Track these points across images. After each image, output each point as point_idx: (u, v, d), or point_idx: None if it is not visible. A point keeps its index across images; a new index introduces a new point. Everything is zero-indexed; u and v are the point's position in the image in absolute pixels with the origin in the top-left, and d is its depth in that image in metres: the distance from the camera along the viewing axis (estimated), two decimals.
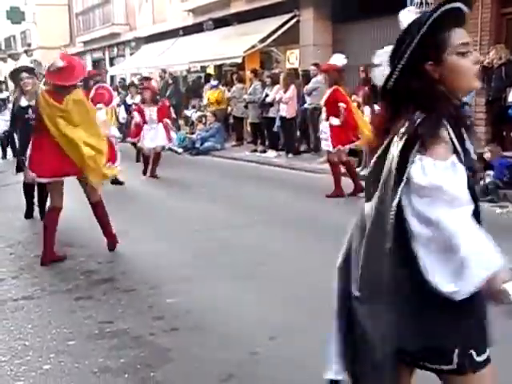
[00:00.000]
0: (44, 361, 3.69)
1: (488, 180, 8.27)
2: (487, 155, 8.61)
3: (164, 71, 19.12)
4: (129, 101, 14.70)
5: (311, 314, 4.31)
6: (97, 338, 4.00)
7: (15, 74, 7.49)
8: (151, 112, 11.16)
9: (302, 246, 6.22)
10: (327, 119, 8.77)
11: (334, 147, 8.75)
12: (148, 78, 15.60)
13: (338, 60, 9.27)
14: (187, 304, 4.57)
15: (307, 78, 13.30)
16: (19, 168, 7.16)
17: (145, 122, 11.18)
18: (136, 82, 17.18)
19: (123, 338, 3.99)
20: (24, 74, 7.30)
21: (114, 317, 4.37)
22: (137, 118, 11.41)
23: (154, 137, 11.14)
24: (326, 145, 8.87)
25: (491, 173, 8.41)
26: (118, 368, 3.57)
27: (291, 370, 3.51)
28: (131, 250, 6.12)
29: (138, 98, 14.46)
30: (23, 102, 7.34)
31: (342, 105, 8.65)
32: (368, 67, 11.40)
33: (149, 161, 11.31)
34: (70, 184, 6.13)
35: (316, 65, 13.14)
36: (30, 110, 7.15)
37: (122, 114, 13.94)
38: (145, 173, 11.36)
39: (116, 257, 5.93)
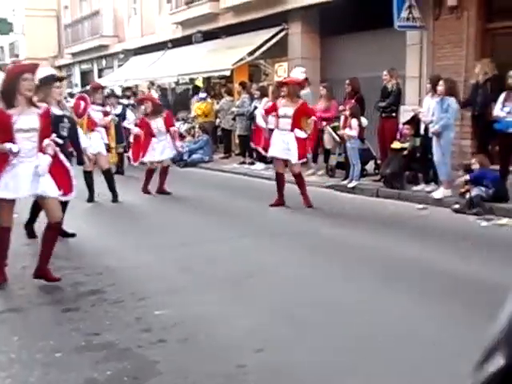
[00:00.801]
0: (30, 373, 3.66)
1: (474, 193, 8.31)
2: (475, 166, 8.63)
3: (152, 83, 19.15)
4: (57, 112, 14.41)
5: (299, 326, 4.32)
6: (84, 350, 3.98)
7: (42, 82, 6.98)
8: (158, 124, 10.63)
9: (289, 259, 6.23)
10: (292, 130, 9.00)
11: (299, 159, 9.13)
12: (130, 88, 15.65)
13: (299, 74, 10.22)
14: (175, 316, 4.57)
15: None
16: None
17: (152, 136, 10.61)
18: (117, 92, 16.95)
19: (110, 350, 3.97)
20: (56, 84, 7.09)
21: (102, 329, 4.35)
22: (134, 130, 11.06)
23: (163, 149, 10.66)
24: (290, 155, 9.07)
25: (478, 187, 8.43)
26: (105, 380, 3.55)
27: (280, 382, 3.51)
28: (119, 262, 6.11)
29: (119, 109, 14.45)
30: (57, 111, 6.98)
31: (313, 118, 9.06)
32: (354, 80, 11.51)
33: (152, 175, 10.80)
34: None
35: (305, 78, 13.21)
36: (65, 119, 7.05)
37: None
38: (145, 189, 10.75)
39: (104, 269, 5.91)
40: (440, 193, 8.98)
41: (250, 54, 15.75)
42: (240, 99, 14.57)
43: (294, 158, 9.01)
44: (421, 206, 8.96)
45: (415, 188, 9.71)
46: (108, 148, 10.28)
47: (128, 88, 15.68)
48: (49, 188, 5.36)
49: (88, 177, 9.75)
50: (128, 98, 14.86)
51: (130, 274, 5.77)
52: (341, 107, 10.98)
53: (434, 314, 4.58)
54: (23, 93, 5.33)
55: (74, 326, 4.42)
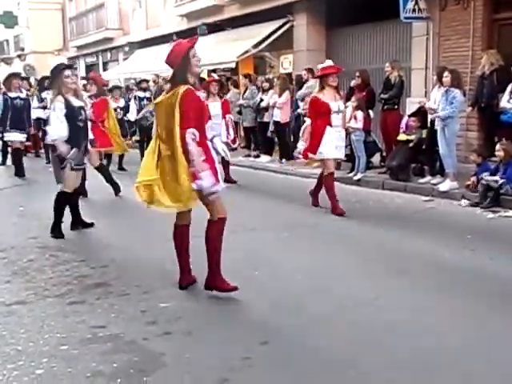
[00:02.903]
0: (36, 365, 3.67)
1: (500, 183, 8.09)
2: (499, 153, 8.40)
3: (157, 76, 19.10)
4: (113, 105, 13.73)
5: (304, 319, 4.32)
6: (90, 343, 3.99)
7: (56, 72, 6.83)
8: (215, 106, 10.16)
9: (294, 251, 6.23)
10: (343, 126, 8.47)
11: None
12: (146, 81, 15.51)
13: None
14: (180, 309, 4.57)
15: (299, 83, 13.34)
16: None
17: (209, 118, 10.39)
18: (121, 84, 16.73)
19: (116, 343, 3.98)
20: (68, 72, 6.74)
21: (107, 321, 4.36)
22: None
23: (217, 134, 10.03)
24: (341, 153, 8.39)
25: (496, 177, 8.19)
26: (111, 373, 3.56)
27: (284, 375, 3.51)
28: (124, 255, 6.12)
29: (122, 102, 14.33)
30: (76, 102, 6.80)
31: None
32: (364, 72, 11.45)
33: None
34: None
35: (309, 70, 13.17)
36: (82, 111, 6.87)
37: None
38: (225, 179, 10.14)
39: (109, 262, 5.92)
40: (446, 185, 8.95)
41: (255, 46, 15.70)
42: (249, 91, 14.48)
43: (342, 155, 8.54)
44: (427, 198, 8.94)
45: (421, 180, 9.68)
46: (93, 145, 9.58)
47: (144, 80, 15.50)
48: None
49: (102, 173, 9.67)
50: (144, 90, 14.62)
51: (135, 266, 5.78)
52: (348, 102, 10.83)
53: (440, 306, 4.57)
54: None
55: (80, 318, 4.43)
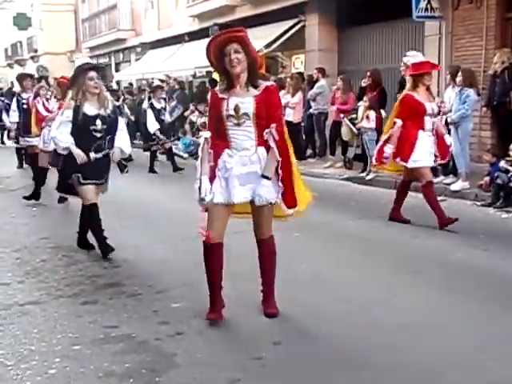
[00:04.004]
0: (49, 365, 3.69)
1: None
2: None
3: (169, 77, 19.15)
4: (157, 105, 13.00)
5: (316, 320, 4.31)
6: (102, 343, 4.00)
7: (78, 71, 6.13)
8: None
9: (306, 251, 6.22)
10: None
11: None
12: (163, 81, 15.31)
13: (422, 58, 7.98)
14: (192, 309, 4.58)
15: (311, 83, 13.31)
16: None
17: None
18: (159, 83, 16.35)
19: (128, 343, 4.00)
20: (92, 74, 5.97)
21: (120, 321, 4.37)
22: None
23: None
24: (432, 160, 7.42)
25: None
26: (123, 373, 3.57)
27: (297, 375, 3.51)
28: (136, 255, 6.14)
29: (163, 103, 13.91)
30: (90, 111, 5.96)
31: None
32: (375, 72, 11.41)
33: None
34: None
35: (319, 69, 13.15)
36: (98, 121, 5.95)
37: (152, 121, 12.56)
38: None
39: (122, 262, 5.94)
40: (458, 185, 8.90)
41: (267, 46, 15.68)
42: None
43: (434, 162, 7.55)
44: (439, 198, 8.87)
45: (434, 180, 9.62)
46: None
47: (161, 81, 15.26)
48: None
49: (41, 174, 9.37)
50: (152, 91, 14.44)
51: (147, 266, 5.79)
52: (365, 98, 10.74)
53: (453, 305, 4.55)
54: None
55: (93, 318, 4.45)
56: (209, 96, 4.43)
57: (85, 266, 5.81)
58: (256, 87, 4.17)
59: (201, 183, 4.18)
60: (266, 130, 4.14)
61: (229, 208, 4.31)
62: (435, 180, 9.55)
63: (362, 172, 10.72)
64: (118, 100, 15.34)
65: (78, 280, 5.40)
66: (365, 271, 5.50)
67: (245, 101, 4.10)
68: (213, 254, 4.33)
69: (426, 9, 11.13)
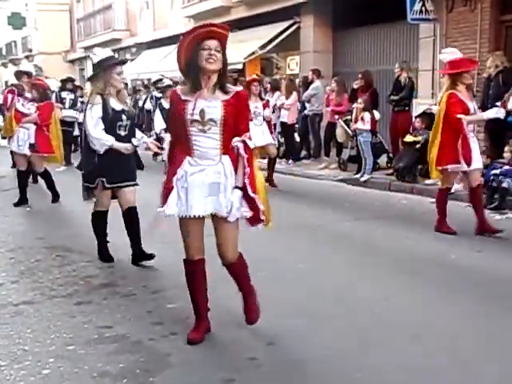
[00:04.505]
0: (43, 365, 3.69)
1: (505, 185, 8.02)
2: (507, 155, 8.34)
3: (163, 76, 19.09)
4: (166, 105, 12.39)
5: (310, 320, 4.32)
6: (96, 343, 4.00)
7: (105, 65, 5.64)
8: (257, 108, 9.82)
9: (300, 252, 6.23)
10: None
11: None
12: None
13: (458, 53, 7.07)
14: (186, 309, 4.57)
15: (306, 84, 13.34)
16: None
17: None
18: (169, 82, 16.19)
19: (123, 343, 4.00)
20: (120, 68, 5.73)
21: (114, 322, 4.37)
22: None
23: (261, 134, 9.73)
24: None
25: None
26: (117, 373, 3.57)
27: (291, 375, 3.52)
28: (131, 256, 6.13)
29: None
30: (116, 106, 5.67)
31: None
32: (367, 73, 11.46)
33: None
34: (71, 190, 6.13)
35: (314, 71, 13.19)
36: (123, 116, 5.71)
37: (159, 121, 12.05)
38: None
39: (116, 262, 5.93)
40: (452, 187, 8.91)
41: (262, 47, 15.73)
42: None
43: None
44: (433, 199, 8.90)
45: (428, 182, 9.65)
46: (34, 149, 9.06)
47: (160, 80, 15.10)
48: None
49: (21, 177, 9.24)
50: (162, 91, 14.00)
51: (141, 267, 5.79)
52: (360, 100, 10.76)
53: (447, 306, 4.57)
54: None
55: (87, 318, 4.44)
56: (168, 96, 4.08)
57: (79, 267, 5.81)
58: (225, 92, 3.76)
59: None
60: (237, 139, 3.77)
61: (197, 222, 3.84)
62: (428, 181, 9.61)
63: (357, 173, 10.74)
64: None
65: (72, 280, 5.40)
66: (361, 272, 5.51)
67: (211, 105, 3.69)
68: (193, 271, 4.03)
69: (421, 11, 11.17)
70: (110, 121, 5.59)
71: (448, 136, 6.62)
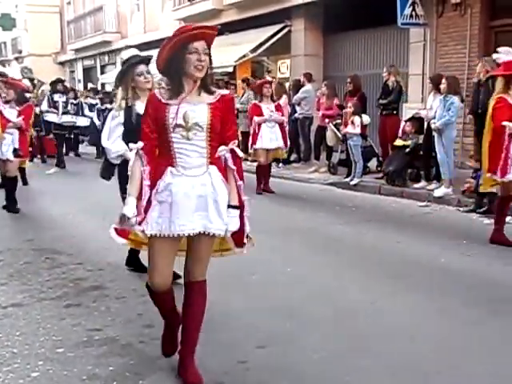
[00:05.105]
0: (32, 368, 3.67)
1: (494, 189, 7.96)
2: None
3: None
4: None
5: (300, 324, 4.32)
6: (86, 346, 3.99)
7: (125, 66, 5.31)
8: (270, 109, 9.77)
9: (290, 255, 6.23)
10: None
11: None
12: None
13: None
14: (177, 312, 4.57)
15: (297, 87, 13.37)
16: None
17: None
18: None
19: (112, 346, 3.98)
20: (142, 68, 5.25)
21: (104, 324, 4.36)
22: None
23: (273, 137, 9.82)
24: None
25: None
26: (107, 376, 3.56)
27: (281, 379, 3.51)
28: (121, 258, 6.10)
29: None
30: (142, 109, 4.86)
31: None
32: (355, 78, 11.51)
33: (265, 172, 10.19)
34: (61, 192, 6.12)
35: (305, 74, 13.23)
36: None
37: None
38: (263, 189, 10.00)
39: (106, 265, 5.91)
40: (441, 191, 8.97)
41: (253, 50, 15.74)
42: (245, 95, 14.51)
43: None
44: (423, 203, 8.96)
45: (417, 185, 9.70)
46: (18, 154, 8.75)
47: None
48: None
49: (10, 183, 8.86)
50: None
51: (131, 270, 5.77)
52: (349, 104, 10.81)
53: (436, 310, 4.58)
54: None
55: (76, 321, 4.43)
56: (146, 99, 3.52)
57: (68, 269, 5.78)
58: (210, 92, 3.39)
59: (127, 204, 3.30)
60: (223, 148, 3.37)
61: (174, 242, 3.38)
62: (417, 185, 9.65)
63: (347, 177, 10.77)
64: (110, 103, 15.31)
65: (61, 283, 5.37)
66: (352, 275, 5.52)
67: (196, 108, 3.27)
68: (161, 300, 3.60)
69: (411, 16, 11.24)
70: (135, 127, 4.65)
71: (497, 144, 6.26)
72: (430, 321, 4.38)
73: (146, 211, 3.30)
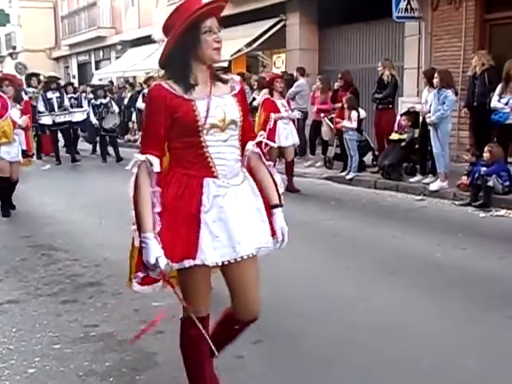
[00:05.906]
0: (29, 364, 3.67)
1: (490, 183, 8.04)
2: (486, 155, 8.39)
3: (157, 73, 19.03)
4: None
5: (297, 318, 4.33)
6: (82, 342, 3.99)
7: None
8: (284, 105, 9.43)
9: (287, 250, 6.22)
10: None
11: None
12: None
13: None
14: (173, 308, 4.56)
15: (290, 82, 13.34)
16: None
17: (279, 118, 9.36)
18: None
19: (109, 342, 3.99)
20: None
21: (100, 320, 4.36)
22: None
23: (289, 134, 9.50)
24: None
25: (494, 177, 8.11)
26: (104, 372, 3.57)
27: (276, 374, 3.52)
28: (117, 255, 6.10)
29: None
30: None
31: None
32: (346, 73, 11.50)
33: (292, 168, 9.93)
34: (57, 188, 6.11)
35: (298, 69, 13.20)
36: None
37: None
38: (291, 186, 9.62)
39: (102, 261, 5.91)
40: (436, 185, 8.98)
41: (248, 45, 15.71)
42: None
43: None
44: (419, 197, 8.97)
45: (412, 179, 9.71)
46: (26, 154, 8.56)
47: (151, 77, 15.08)
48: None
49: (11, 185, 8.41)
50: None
51: (128, 266, 5.76)
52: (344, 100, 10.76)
53: (433, 305, 4.59)
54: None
55: (73, 317, 4.43)
56: (148, 94, 2.74)
57: (64, 265, 5.78)
58: (223, 81, 2.80)
59: (147, 248, 2.68)
60: (252, 144, 2.88)
61: (209, 270, 2.83)
62: (413, 179, 9.66)
63: (342, 171, 10.77)
64: (105, 97, 15.28)
65: (57, 279, 5.37)
66: (344, 270, 5.53)
67: (227, 102, 2.71)
68: (200, 334, 3.00)
69: (406, 9, 11.21)
70: None
71: None
72: (426, 315, 4.39)
73: (192, 239, 2.66)
